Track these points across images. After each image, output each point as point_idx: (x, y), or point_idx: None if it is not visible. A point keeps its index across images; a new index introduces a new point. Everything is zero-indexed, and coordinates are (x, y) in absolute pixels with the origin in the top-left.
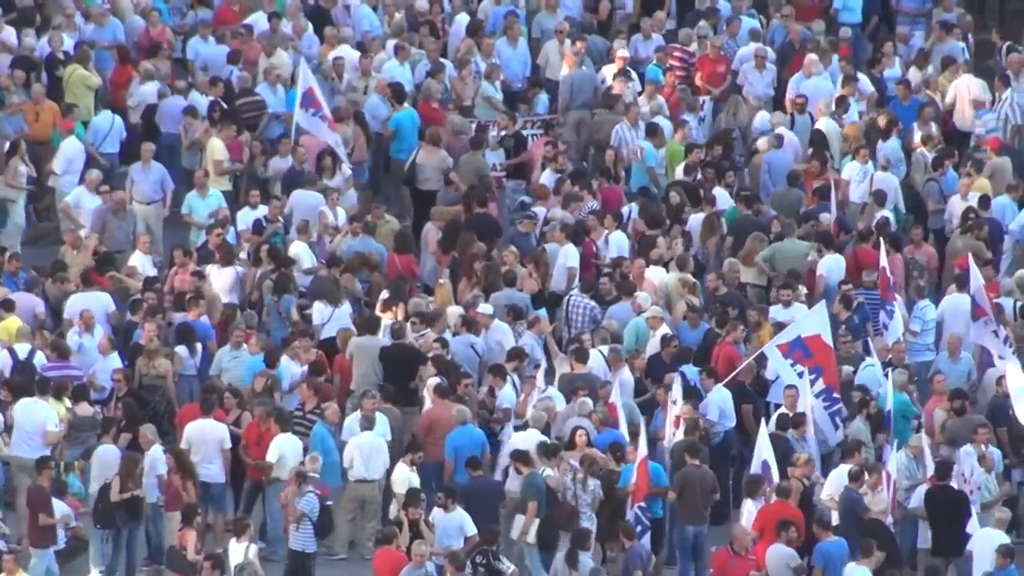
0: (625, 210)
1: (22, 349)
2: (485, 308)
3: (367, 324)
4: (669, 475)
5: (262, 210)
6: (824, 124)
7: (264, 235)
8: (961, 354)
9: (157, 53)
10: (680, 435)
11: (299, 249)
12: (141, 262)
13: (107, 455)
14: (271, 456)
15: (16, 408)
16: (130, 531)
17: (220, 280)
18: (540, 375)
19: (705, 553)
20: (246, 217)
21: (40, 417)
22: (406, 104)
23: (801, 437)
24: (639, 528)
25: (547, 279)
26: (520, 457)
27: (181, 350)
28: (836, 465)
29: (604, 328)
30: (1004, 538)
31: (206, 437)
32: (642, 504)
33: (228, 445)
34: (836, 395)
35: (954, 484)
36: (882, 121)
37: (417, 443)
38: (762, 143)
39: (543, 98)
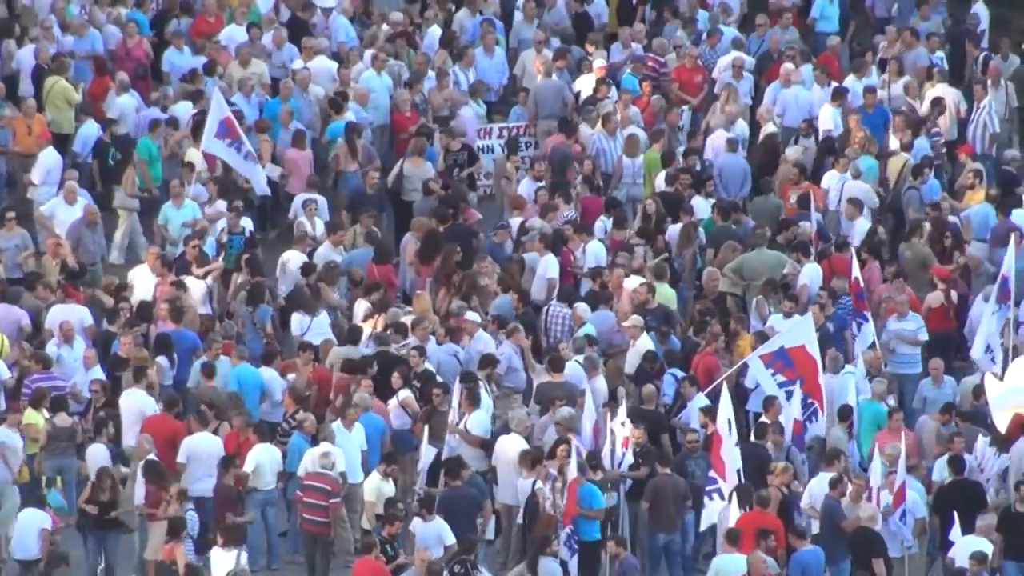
0: (598, 225)
1: None
2: (472, 315)
3: (349, 335)
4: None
5: (246, 221)
6: (769, 130)
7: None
8: (944, 378)
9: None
10: (629, 457)
11: (289, 256)
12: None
13: (97, 453)
14: (248, 466)
15: (120, 400)
16: (96, 540)
17: (194, 291)
18: (454, 395)
19: (678, 560)
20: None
21: (138, 404)
22: (349, 115)
23: (779, 447)
24: (568, 550)
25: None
26: (457, 465)
27: (161, 360)
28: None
29: (580, 337)
30: (985, 544)
31: (211, 451)
32: (571, 526)
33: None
34: (811, 402)
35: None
36: (852, 123)
37: (392, 454)
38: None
39: (516, 109)
